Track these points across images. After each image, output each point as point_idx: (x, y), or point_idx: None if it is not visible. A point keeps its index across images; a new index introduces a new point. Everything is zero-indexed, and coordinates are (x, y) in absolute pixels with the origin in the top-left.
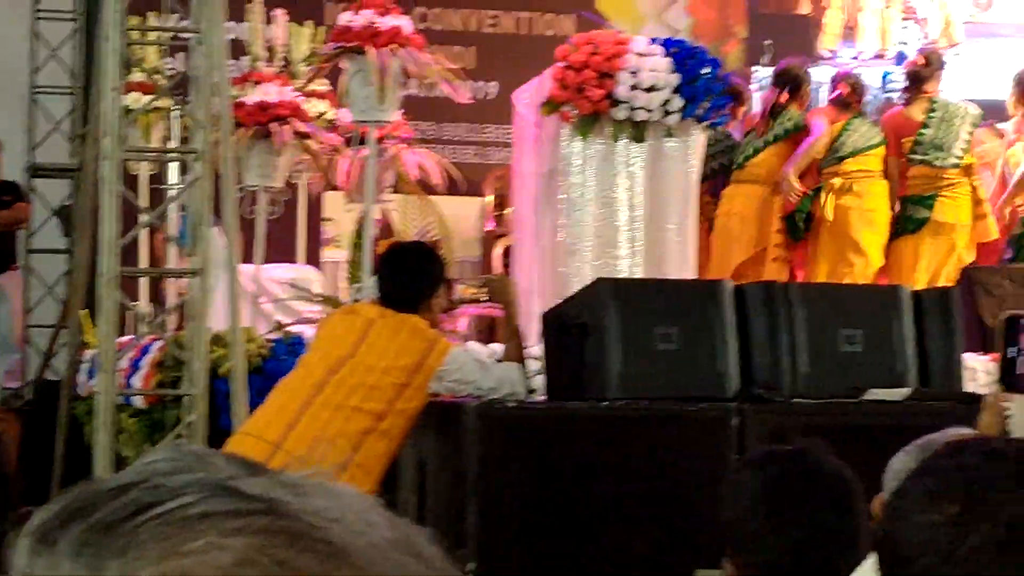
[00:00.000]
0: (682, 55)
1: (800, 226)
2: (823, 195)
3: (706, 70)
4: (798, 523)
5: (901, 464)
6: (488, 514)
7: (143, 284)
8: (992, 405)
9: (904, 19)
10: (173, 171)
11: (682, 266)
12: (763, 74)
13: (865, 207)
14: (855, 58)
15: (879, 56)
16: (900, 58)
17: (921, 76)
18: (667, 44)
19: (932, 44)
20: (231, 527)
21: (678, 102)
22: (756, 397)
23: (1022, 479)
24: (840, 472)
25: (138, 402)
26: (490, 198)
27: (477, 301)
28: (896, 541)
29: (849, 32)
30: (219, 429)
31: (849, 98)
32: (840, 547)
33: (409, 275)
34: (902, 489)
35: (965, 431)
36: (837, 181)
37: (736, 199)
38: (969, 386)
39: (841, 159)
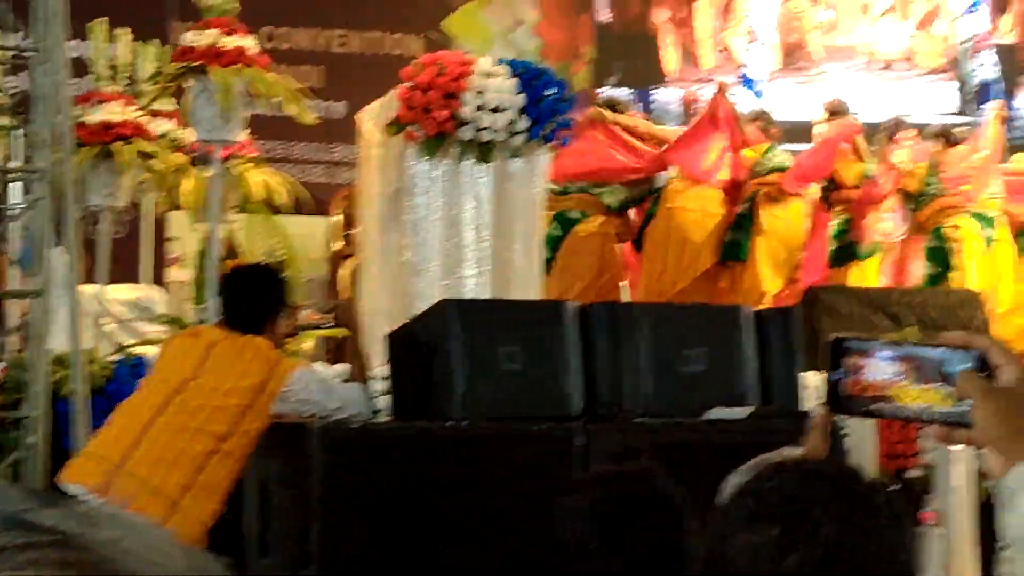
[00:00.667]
0: (528, 76)
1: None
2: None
3: (552, 91)
4: (624, 544)
5: (736, 483)
6: (332, 534)
7: None
8: (818, 426)
9: (749, 41)
10: (15, 191)
11: (528, 286)
12: (611, 95)
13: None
14: (701, 79)
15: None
16: (746, 80)
17: None
18: (513, 65)
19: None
20: (25, 559)
21: (524, 123)
22: (600, 416)
23: (839, 500)
24: (669, 493)
25: None
26: (338, 217)
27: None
28: (721, 560)
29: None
30: (60, 451)
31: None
32: (667, 567)
33: (251, 296)
34: (725, 510)
35: (798, 451)
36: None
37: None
38: (809, 405)
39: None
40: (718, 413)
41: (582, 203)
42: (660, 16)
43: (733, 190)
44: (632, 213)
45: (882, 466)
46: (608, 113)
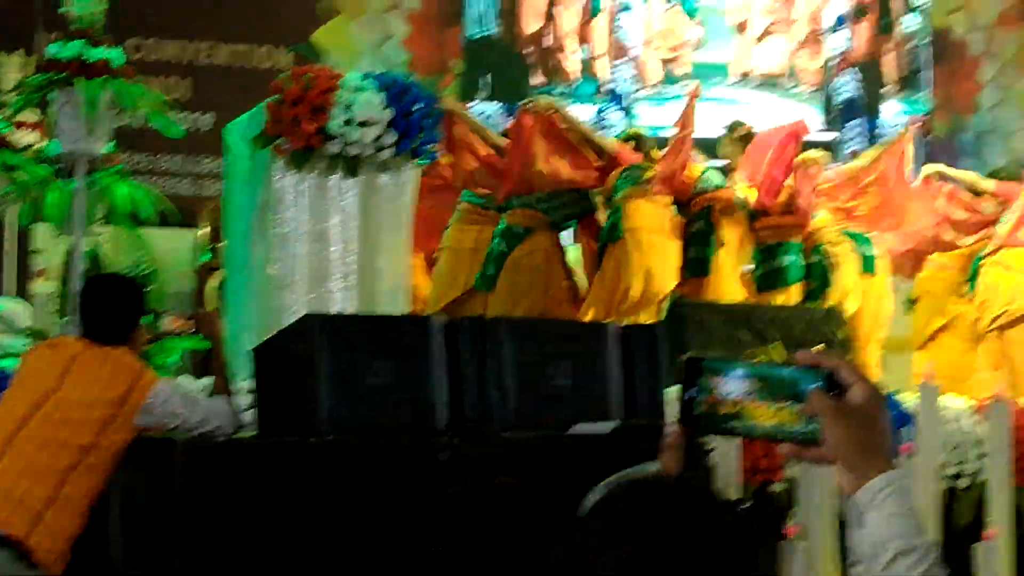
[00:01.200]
0: (396, 90)
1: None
2: None
3: (420, 105)
4: (481, 557)
5: (595, 499)
6: (196, 550)
7: None
8: (672, 444)
9: (616, 57)
10: None
11: (395, 300)
12: (480, 109)
13: None
14: (563, 93)
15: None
16: (613, 95)
17: None
18: (381, 79)
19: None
20: None
21: (391, 137)
22: (466, 431)
23: (693, 518)
24: (526, 507)
25: None
26: (205, 230)
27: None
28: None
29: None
30: None
31: None
32: None
33: (111, 308)
34: (583, 526)
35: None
36: None
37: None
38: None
39: None
40: (583, 428)
41: (526, 218)
42: (532, 28)
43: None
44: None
45: (746, 481)
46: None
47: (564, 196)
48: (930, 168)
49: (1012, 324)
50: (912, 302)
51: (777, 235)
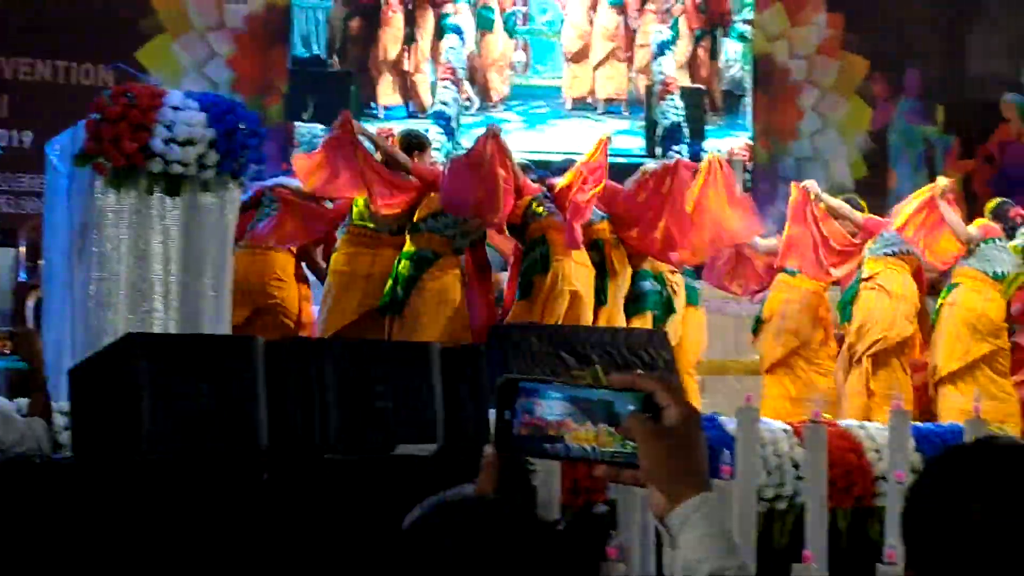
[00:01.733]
0: (219, 109)
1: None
2: None
3: (243, 125)
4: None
5: (414, 520)
6: (10, 571)
7: None
8: (488, 465)
9: (442, 79)
10: None
11: (217, 321)
12: (304, 129)
13: None
14: (408, 116)
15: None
16: (439, 116)
17: None
18: (204, 98)
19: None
20: None
21: (214, 157)
22: (288, 453)
23: (508, 538)
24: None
25: None
26: (23, 248)
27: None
28: None
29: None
30: None
31: None
32: None
33: None
34: (401, 547)
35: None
36: None
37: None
38: None
39: None
40: (406, 449)
41: (433, 242)
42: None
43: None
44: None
45: (567, 501)
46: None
47: (469, 223)
48: (812, 187)
49: (887, 351)
50: (759, 322)
51: (634, 262)
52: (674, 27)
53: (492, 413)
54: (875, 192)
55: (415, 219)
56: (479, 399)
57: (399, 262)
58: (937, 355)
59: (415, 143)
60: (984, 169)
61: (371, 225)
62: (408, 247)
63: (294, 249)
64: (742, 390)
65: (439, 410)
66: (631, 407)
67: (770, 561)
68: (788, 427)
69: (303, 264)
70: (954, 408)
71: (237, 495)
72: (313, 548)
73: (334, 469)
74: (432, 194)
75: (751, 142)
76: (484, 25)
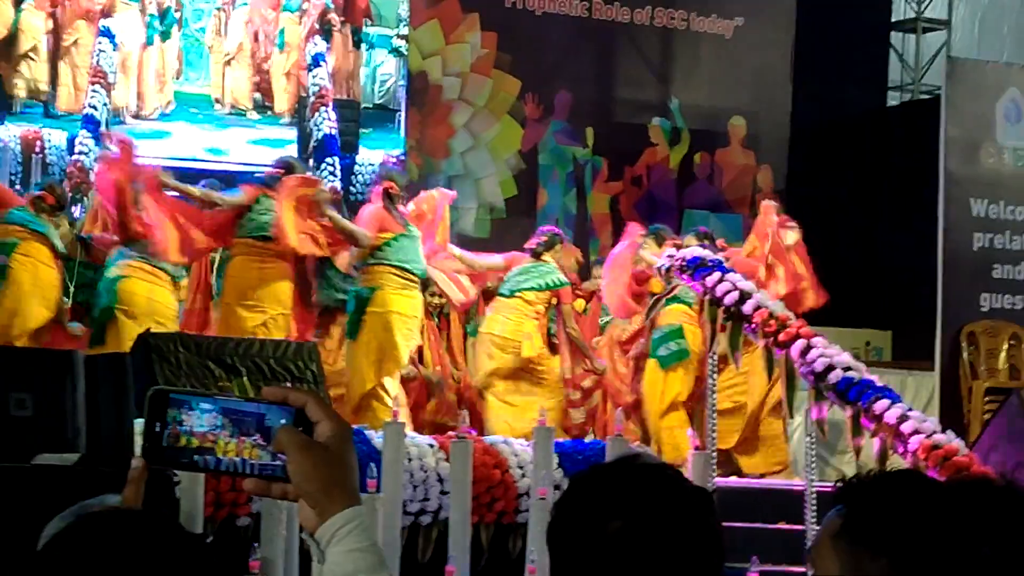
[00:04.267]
0: None
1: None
2: None
3: None
4: None
5: (54, 530)
6: None
7: None
8: (135, 478)
9: (92, 83)
10: None
11: None
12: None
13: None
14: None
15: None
16: (88, 120)
17: None
18: None
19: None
20: None
21: None
22: None
23: (151, 551)
24: None
25: None
26: None
27: None
28: None
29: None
30: None
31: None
32: None
33: None
34: (40, 560)
35: (119, 499)
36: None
37: None
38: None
39: None
40: (46, 458)
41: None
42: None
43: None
44: None
45: (211, 514)
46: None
47: None
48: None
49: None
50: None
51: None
52: (327, 37)
53: (140, 423)
54: (524, 211)
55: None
56: (122, 409)
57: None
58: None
59: None
60: (631, 191)
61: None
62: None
63: None
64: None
65: (81, 419)
66: (283, 420)
67: (414, 575)
68: (434, 442)
69: None
70: None
71: None
72: None
73: None
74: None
75: (403, 157)
76: (157, 32)
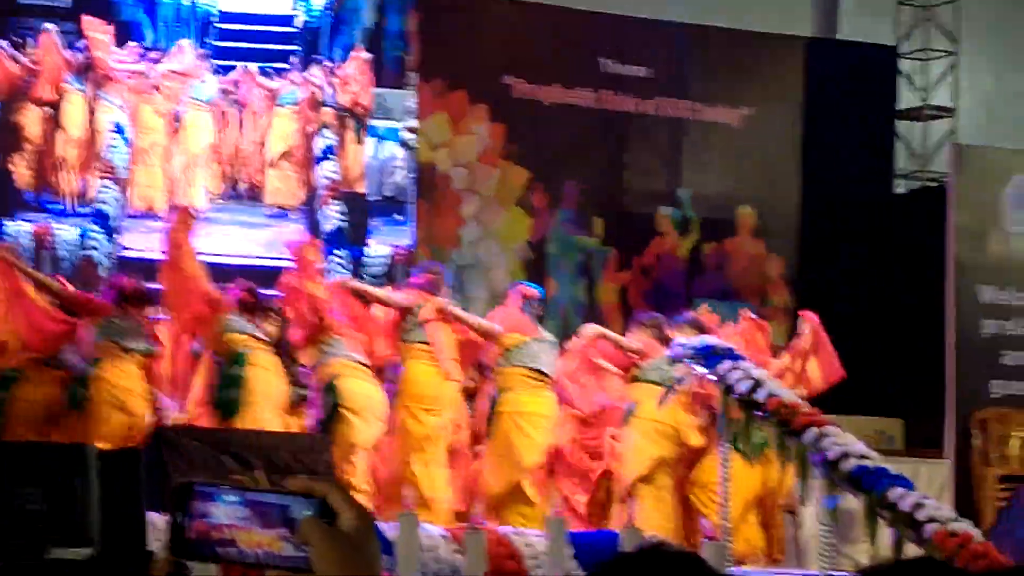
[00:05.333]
0: None
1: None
2: None
3: None
4: None
5: None
6: None
7: None
8: (158, 570)
9: (103, 177)
10: None
11: None
12: None
13: None
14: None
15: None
16: (97, 215)
17: None
18: None
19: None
20: None
21: None
22: None
23: None
24: None
25: None
26: None
27: None
28: None
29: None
30: None
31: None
32: None
33: None
34: None
35: None
36: None
37: None
38: (157, 544)
39: None
40: (60, 553)
41: None
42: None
43: None
44: None
45: None
46: None
47: None
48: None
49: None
50: None
51: None
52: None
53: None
54: None
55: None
56: (135, 501)
57: None
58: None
59: None
60: (640, 281)
61: None
62: None
63: None
64: None
65: (94, 512)
66: (307, 512)
67: None
68: (447, 533)
69: None
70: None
71: None
72: None
73: None
74: None
75: (413, 248)
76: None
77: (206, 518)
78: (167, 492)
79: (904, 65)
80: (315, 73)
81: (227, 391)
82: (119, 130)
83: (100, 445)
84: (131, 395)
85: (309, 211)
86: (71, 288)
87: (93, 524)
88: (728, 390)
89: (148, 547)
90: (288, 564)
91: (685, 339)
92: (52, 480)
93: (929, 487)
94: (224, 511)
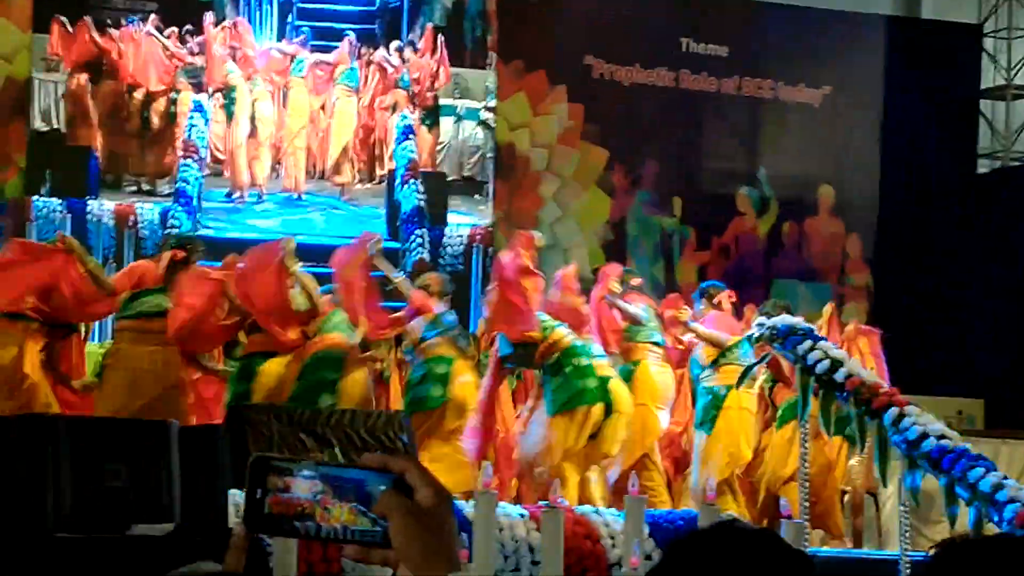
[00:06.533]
0: None
1: None
2: None
3: None
4: None
5: None
6: None
7: None
8: (236, 545)
9: (184, 157)
10: None
11: None
12: (41, 203)
13: None
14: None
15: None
16: (180, 194)
17: None
18: None
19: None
20: None
21: None
22: (17, 531)
23: None
24: None
25: None
26: None
27: None
28: None
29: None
30: None
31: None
32: None
33: None
34: None
35: (213, 566)
36: None
37: None
38: (235, 521)
39: None
40: (142, 529)
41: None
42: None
43: None
44: None
45: None
46: None
47: None
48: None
49: None
50: None
51: None
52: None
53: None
54: None
55: None
56: (215, 479)
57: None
58: None
59: None
60: (719, 261)
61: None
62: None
63: None
64: None
65: (176, 489)
66: (383, 487)
67: None
68: (525, 511)
69: None
70: None
71: None
72: None
73: (65, 548)
74: None
75: (492, 228)
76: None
77: (283, 493)
78: (246, 468)
79: (988, 44)
80: (393, 53)
81: None
82: (199, 108)
83: None
84: None
85: (389, 191)
86: None
87: (175, 500)
88: (807, 370)
89: (226, 524)
90: (366, 539)
91: (764, 319)
92: (136, 457)
93: (1009, 467)
94: (301, 486)
